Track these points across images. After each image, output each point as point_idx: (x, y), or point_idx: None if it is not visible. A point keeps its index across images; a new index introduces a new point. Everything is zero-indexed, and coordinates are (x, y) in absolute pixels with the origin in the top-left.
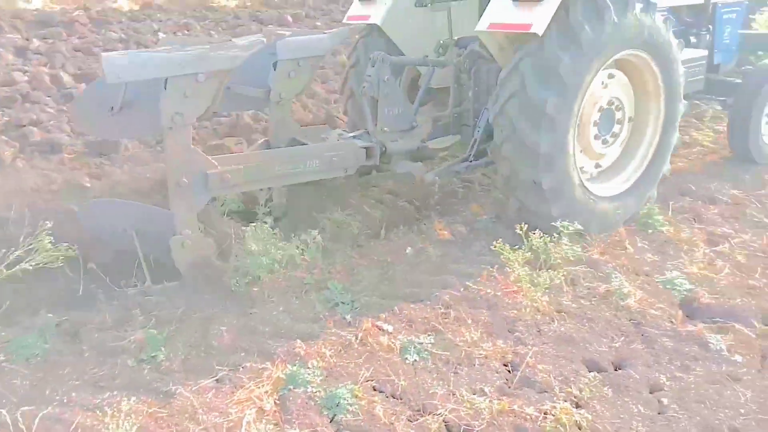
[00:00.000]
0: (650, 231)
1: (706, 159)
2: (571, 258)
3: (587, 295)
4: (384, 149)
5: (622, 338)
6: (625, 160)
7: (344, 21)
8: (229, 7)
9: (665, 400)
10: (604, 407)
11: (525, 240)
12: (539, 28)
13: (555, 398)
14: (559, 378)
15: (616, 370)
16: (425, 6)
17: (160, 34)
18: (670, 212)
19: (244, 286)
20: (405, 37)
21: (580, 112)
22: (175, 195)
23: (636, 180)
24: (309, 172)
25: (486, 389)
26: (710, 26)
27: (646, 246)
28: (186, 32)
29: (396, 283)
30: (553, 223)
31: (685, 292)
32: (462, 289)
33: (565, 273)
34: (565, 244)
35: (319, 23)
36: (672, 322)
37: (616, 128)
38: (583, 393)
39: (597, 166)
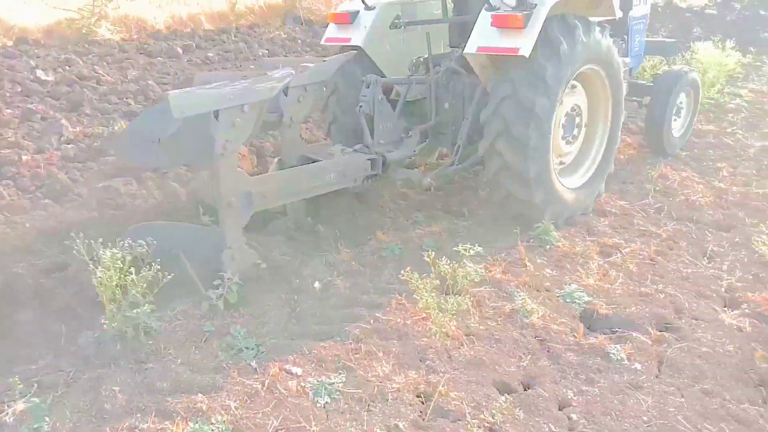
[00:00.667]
0: (548, 247)
1: None
2: (476, 280)
3: (493, 315)
4: (384, 160)
5: (529, 356)
6: (581, 158)
7: (322, 43)
8: (114, 40)
9: (574, 416)
10: (517, 430)
11: (432, 266)
12: (526, 51)
13: (468, 426)
14: (472, 404)
15: (525, 389)
16: (399, 28)
17: (38, 71)
18: (563, 227)
19: (137, 338)
20: (383, 57)
21: (556, 114)
22: (226, 214)
23: (590, 176)
24: (328, 185)
25: (401, 425)
26: (625, 36)
27: (544, 262)
28: (68, 68)
29: (304, 321)
30: (533, 211)
31: (584, 305)
32: (372, 321)
33: (471, 296)
34: (469, 266)
35: (210, 53)
36: (574, 335)
37: (575, 131)
38: (495, 417)
39: (561, 163)
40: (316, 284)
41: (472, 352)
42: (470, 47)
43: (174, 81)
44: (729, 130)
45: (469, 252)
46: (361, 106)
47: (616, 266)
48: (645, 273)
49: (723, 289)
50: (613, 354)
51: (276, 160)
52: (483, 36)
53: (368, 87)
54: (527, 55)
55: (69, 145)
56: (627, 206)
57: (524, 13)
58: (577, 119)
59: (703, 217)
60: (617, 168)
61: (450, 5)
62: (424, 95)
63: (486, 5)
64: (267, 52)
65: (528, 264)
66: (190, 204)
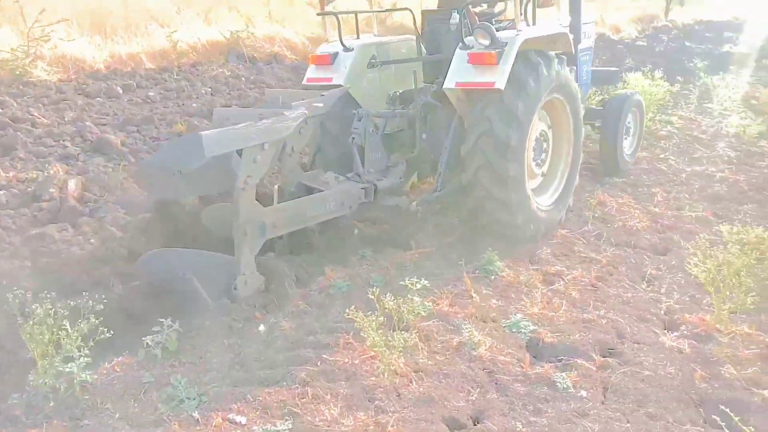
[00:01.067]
0: (493, 277)
1: None
2: (424, 314)
3: (442, 349)
4: (375, 188)
5: (478, 390)
6: (550, 178)
7: (304, 83)
8: (51, 81)
9: None
10: None
11: (377, 303)
12: (501, 85)
13: None
14: None
15: (475, 424)
16: (375, 67)
17: None
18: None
19: (72, 394)
20: (361, 93)
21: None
22: (242, 242)
23: (560, 193)
24: (328, 213)
25: None
26: (575, 66)
27: (490, 292)
28: (0, 110)
29: (248, 366)
30: (516, 232)
31: (529, 334)
32: (319, 363)
33: (419, 330)
34: (416, 300)
35: (152, 92)
36: (521, 365)
37: (543, 154)
38: None
39: (534, 185)
40: (261, 327)
41: (421, 389)
42: (449, 83)
43: (113, 122)
44: (662, 156)
45: (415, 286)
46: (353, 138)
47: (559, 294)
48: (587, 299)
49: (662, 312)
50: (560, 382)
51: (276, 187)
52: (460, 72)
53: (360, 120)
54: (502, 88)
55: (1, 192)
56: (568, 234)
57: (497, 50)
58: (545, 144)
59: (640, 242)
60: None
61: (423, 46)
62: (401, 127)
63: (461, 45)
64: (210, 90)
65: (474, 295)
66: (125, 248)
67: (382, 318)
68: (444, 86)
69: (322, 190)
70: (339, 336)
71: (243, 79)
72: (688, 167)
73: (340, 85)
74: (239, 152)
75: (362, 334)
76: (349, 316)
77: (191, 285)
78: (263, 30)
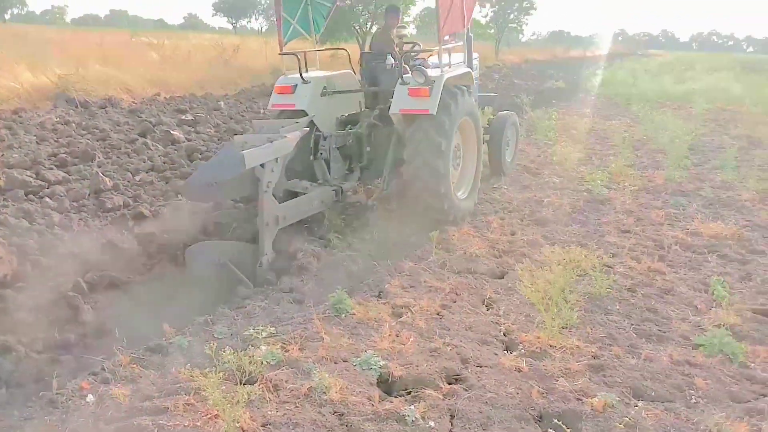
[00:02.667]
0: (343, 315)
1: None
2: (272, 362)
3: (291, 398)
4: (341, 190)
5: None
6: (463, 179)
7: (269, 108)
8: None
9: None
10: None
11: (215, 359)
12: (433, 111)
13: None
14: None
15: None
16: (326, 96)
17: None
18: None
19: None
20: (319, 118)
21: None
22: (264, 230)
23: (469, 190)
24: (314, 209)
25: None
26: None
27: (341, 331)
28: None
29: None
30: (443, 215)
31: (380, 370)
32: (156, 430)
33: (267, 380)
34: (263, 348)
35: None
36: (372, 403)
37: (458, 161)
38: None
39: (452, 182)
40: (89, 397)
41: None
42: (394, 109)
43: None
44: (495, 186)
45: (262, 334)
46: (321, 153)
47: (407, 325)
48: (433, 328)
49: (502, 333)
50: (408, 415)
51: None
52: (402, 102)
53: (325, 139)
54: (434, 113)
55: None
56: (414, 265)
57: (428, 86)
58: (459, 152)
59: (480, 267)
60: (407, 232)
61: (364, 79)
62: (349, 143)
63: (401, 81)
64: (35, 138)
65: (325, 336)
66: None
67: (221, 374)
68: (390, 111)
69: (303, 194)
70: (179, 398)
71: (74, 125)
72: (519, 194)
73: (302, 110)
74: (263, 165)
75: (203, 392)
76: (187, 374)
77: (231, 271)
78: (96, 72)
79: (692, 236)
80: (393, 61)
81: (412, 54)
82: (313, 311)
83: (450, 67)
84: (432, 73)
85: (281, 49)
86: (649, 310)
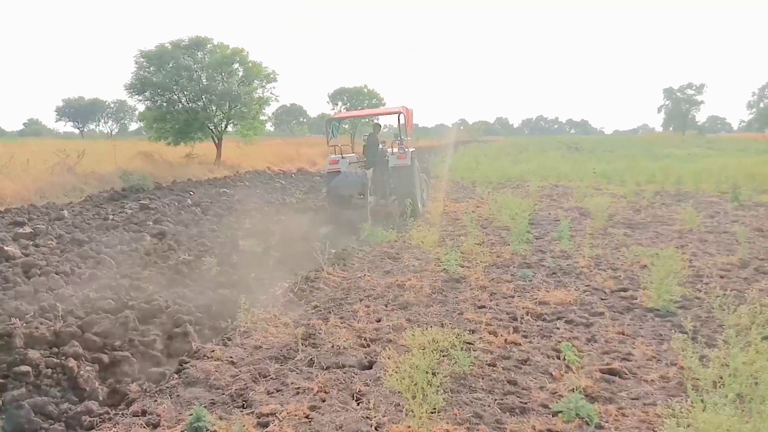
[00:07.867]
0: None
1: None
2: None
3: None
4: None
5: None
6: (423, 197)
7: (326, 170)
8: None
9: None
10: None
11: None
12: (409, 164)
13: None
14: None
15: None
16: (352, 163)
17: None
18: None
19: None
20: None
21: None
22: (366, 204)
23: (424, 201)
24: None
25: None
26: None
27: None
28: None
29: None
30: (416, 211)
31: None
32: None
33: None
34: None
35: None
36: None
37: (423, 185)
38: None
39: (420, 196)
40: None
41: None
42: (391, 163)
43: None
44: (359, 274)
45: None
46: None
47: None
48: None
49: (374, 429)
50: None
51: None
52: (393, 162)
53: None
54: (410, 164)
55: None
56: (281, 367)
57: (406, 154)
58: (423, 185)
59: (348, 360)
60: (274, 338)
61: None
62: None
63: (391, 153)
64: None
65: None
66: None
67: None
68: (389, 165)
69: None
70: None
71: None
72: (382, 280)
73: (340, 171)
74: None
75: None
76: None
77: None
78: None
79: (540, 305)
80: (382, 146)
81: (393, 142)
82: None
83: (410, 147)
84: (408, 148)
85: (327, 144)
86: (510, 383)
